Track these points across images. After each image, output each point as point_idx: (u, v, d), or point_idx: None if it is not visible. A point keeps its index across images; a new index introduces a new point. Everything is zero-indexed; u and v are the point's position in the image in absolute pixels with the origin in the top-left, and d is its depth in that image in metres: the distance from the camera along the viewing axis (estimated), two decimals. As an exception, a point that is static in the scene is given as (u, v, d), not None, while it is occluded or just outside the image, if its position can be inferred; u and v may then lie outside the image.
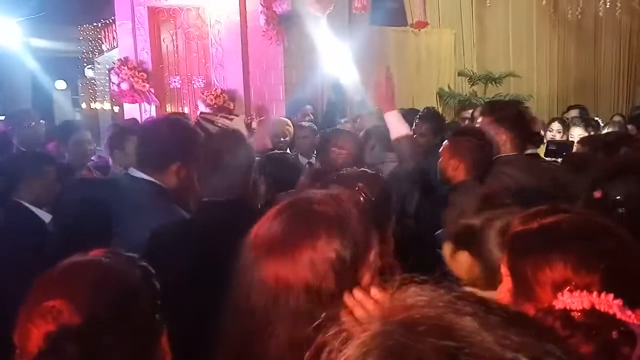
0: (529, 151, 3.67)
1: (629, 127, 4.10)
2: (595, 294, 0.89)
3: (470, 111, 5.47)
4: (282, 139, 4.12)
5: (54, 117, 10.18)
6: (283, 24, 6.02)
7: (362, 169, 1.75)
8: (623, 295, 0.88)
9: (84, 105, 10.85)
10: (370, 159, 3.19)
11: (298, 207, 1.09)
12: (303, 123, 4.73)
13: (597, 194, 1.75)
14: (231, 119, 3.36)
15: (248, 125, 3.57)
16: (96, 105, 9.92)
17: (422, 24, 6.43)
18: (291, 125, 4.43)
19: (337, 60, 6.38)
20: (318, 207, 1.07)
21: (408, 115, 5.06)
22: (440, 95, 7.91)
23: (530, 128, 3.31)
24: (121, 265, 1.06)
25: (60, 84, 11.45)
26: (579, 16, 9.03)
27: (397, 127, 2.78)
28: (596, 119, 6.31)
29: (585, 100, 9.24)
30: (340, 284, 1.00)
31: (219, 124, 3.44)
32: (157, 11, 6.48)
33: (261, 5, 6.00)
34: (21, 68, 9.98)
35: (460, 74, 8.22)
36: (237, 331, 1.06)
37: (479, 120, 2.88)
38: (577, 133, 4.86)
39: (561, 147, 4.04)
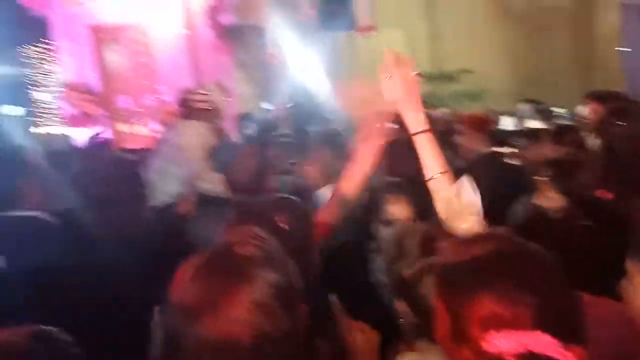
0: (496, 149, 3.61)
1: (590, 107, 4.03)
2: (528, 333, 0.82)
3: None
4: None
5: (3, 144, 9.75)
6: (231, 35, 5.89)
7: (280, 195, 1.66)
8: (558, 333, 0.83)
9: (33, 129, 10.48)
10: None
11: (220, 257, 1.05)
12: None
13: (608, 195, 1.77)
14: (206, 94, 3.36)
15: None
16: (47, 130, 9.60)
17: (368, 28, 6.39)
18: None
19: (292, 68, 6.29)
20: (240, 249, 1.04)
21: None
22: (397, 96, 7.87)
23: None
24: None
25: (7, 109, 11.03)
26: (527, 8, 9.18)
27: None
28: (552, 109, 6.39)
29: (540, 92, 9.37)
30: (290, 316, 0.99)
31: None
32: (99, 30, 6.27)
33: (207, 18, 5.86)
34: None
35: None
36: None
37: None
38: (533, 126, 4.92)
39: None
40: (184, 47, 6.17)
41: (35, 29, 7.94)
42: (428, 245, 1.36)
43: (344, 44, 7.29)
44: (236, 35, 5.98)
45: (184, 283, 1.01)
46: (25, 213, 2.07)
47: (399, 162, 2.54)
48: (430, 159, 1.61)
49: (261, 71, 6.33)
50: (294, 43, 6.43)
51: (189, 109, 3.59)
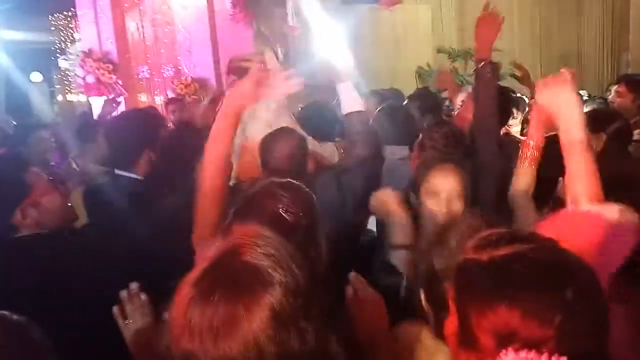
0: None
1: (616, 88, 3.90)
2: (546, 356, 0.72)
3: None
4: None
5: (31, 111, 9.93)
6: (250, 6, 5.80)
7: (287, 179, 1.42)
8: (582, 356, 0.74)
9: (60, 98, 10.62)
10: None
11: (223, 269, 0.90)
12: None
13: None
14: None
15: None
16: (72, 97, 9.71)
17: (392, 2, 6.21)
18: None
19: (314, 41, 6.18)
20: (245, 258, 0.90)
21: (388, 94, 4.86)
22: (419, 73, 7.71)
23: None
24: None
25: (36, 77, 11.17)
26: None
27: (349, 101, 2.24)
28: (581, 92, 6.14)
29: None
30: (307, 325, 0.88)
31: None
32: (121, -1, 6.26)
33: (227, -12, 5.79)
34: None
35: (439, 50, 8.00)
36: None
37: None
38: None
39: None
40: (204, 17, 6.12)
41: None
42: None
43: (367, 18, 7.11)
44: (256, 6, 5.88)
45: (183, 301, 0.88)
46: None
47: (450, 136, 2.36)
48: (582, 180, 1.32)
49: (281, 43, 6.23)
50: (316, 15, 6.30)
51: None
